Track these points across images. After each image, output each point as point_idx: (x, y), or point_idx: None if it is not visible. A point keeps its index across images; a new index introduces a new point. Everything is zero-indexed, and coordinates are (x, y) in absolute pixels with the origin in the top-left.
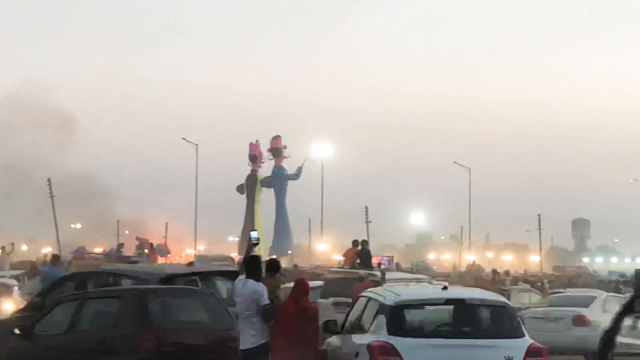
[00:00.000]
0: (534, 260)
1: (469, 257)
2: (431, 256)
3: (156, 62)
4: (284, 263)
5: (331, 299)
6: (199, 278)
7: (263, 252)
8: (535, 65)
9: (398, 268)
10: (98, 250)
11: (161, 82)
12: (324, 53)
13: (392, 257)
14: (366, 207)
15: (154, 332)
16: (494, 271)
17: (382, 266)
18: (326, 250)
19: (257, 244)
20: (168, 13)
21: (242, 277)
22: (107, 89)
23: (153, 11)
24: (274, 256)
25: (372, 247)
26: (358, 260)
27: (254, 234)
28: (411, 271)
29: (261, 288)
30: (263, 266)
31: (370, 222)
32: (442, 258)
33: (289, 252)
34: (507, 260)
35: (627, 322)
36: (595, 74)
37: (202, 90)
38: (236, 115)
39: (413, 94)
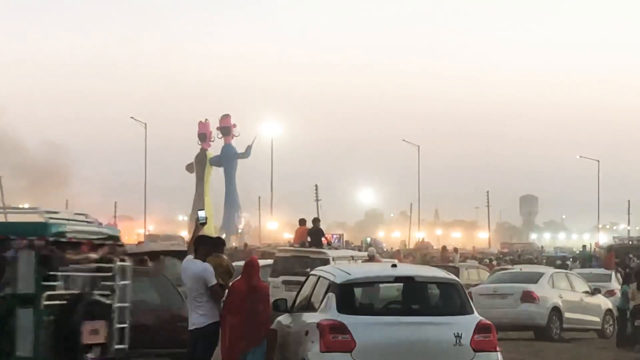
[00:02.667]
0: (482, 237)
1: (419, 235)
2: (381, 234)
3: (105, 39)
4: (233, 241)
5: (281, 278)
6: (149, 257)
7: (213, 231)
8: (479, 43)
9: (347, 245)
10: None
11: (110, 59)
12: (274, 32)
13: (342, 234)
14: (316, 186)
15: None
16: (443, 248)
17: (332, 244)
18: (276, 229)
19: (204, 223)
20: None
21: (190, 256)
22: (55, 66)
23: None
24: (224, 235)
25: (323, 225)
26: (309, 239)
27: (201, 214)
28: (360, 248)
29: (208, 267)
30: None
31: (320, 200)
32: (391, 235)
33: (239, 230)
34: (456, 237)
35: (576, 297)
36: (540, 48)
37: (152, 68)
38: (185, 94)
39: (362, 73)
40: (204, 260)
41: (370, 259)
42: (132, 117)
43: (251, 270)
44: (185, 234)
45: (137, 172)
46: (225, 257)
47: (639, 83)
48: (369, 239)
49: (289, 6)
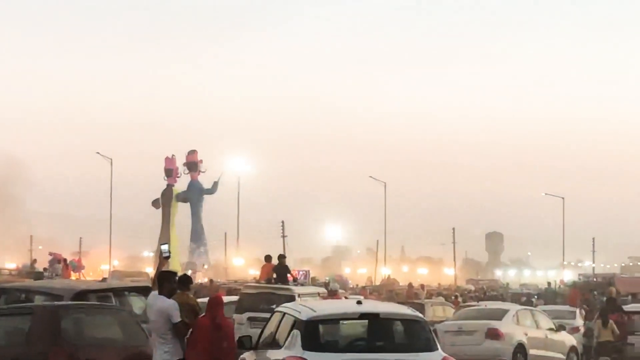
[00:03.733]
0: (448, 274)
1: (385, 271)
2: (347, 270)
3: (67, 73)
4: (199, 278)
5: (247, 314)
6: (112, 294)
7: (178, 267)
8: (440, 78)
9: (314, 282)
10: (10, 266)
11: (75, 95)
12: (241, 69)
13: (308, 271)
14: (282, 222)
15: (67, 349)
16: (409, 285)
17: (298, 280)
18: (242, 265)
19: (168, 257)
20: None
21: (155, 292)
22: (20, 99)
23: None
24: (190, 271)
25: (289, 261)
26: (274, 275)
27: (164, 247)
28: (326, 285)
29: (173, 304)
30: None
31: (287, 236)
32: (357, 272)
33: (205, 267)
34: (422, 274)
35: (540, 334)
36: (505, 87)
37: (117, 104)
38: (151, 130)
39: (329, 110)
40: (169, 297)
41: (331, 294)
42: (98, 153)
43: (215, 307)
44: (151, 270)
45: (102, 208)
46: (191, 295)
47: (603, 122)
48: (329, 279)
49: (256, 43)
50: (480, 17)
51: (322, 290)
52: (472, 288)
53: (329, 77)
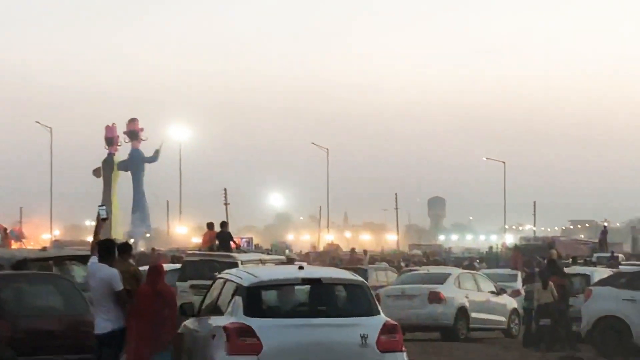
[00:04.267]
0: (391, 239)
1: (328, 237)
2: (290, 237)
3: (6, 45)
4: (142, 246)
5: (189, 282)
6: (53, 263)
7: (120, 236)
8: (378, 46)
9: (257, 249)
10: None
11: (15, 64)
12: (182, 36)
13: (252, 238)
14: (225, 189)
15: (7, 319)
16: (352, 250)
17: (241, 247)
18: (185, 233)
19: (105, 218)
20: None
21: (94, 260)
22: None
23: None
24: (132, 239)
25: (233, 228)
26: (217, 242)
27: (101, 210)
28: (269, 252)
29: (115, 273)
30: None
31: (229, 204)
32: (301, 238)
33: (147, 235)
34: (365, 240)
35: (482, 297)
36: (447, 51)
37: (58, 72)
38: (91, 98)
39: (271, 77)
40: (110, 266)
41: (289, 261)
42: (37, 122)
43: (156, 274)
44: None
45: (43, 177)
46: (132, 262)
47: (543, 85)
48: (278, 243)
49: (196, 11)
50: None
51: (265, 257)
52: (420, 253)
53: (269, 45)
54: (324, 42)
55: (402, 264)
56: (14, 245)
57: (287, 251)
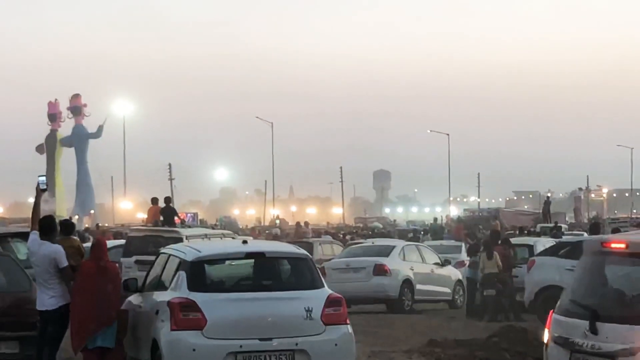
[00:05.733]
0: (337, 213)
1: (273, 212)
2: (236, 211)
3: None
4: (86, 223)
5: (134, 258)
6: None
7: (64, 212)
8: (325, 20)
9: (202, 224)
10: None
11: None
12: (124, 10)
13: (197, 213)
14: (169, 164)
15: None
16: (297, 224)
17: (186, 222)
18: (130, 208)
19: (45, 189)
20: None
21: (34, 236)
22: None
23: None
24: (77, 216)
25: (178, 204)
26: (161, 218)
27: (41, 179)
28: (214, 227)
29: (59, 249)
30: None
31: (174, 179)
32: (247, 213)
33: (92, 211)
34: (311, 213)
35: (426, 269)
36: (388, 24)
37: None
38: (33, 74)
39: (215, 51)
40: (52, 242)
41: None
42: None
43: (99, 250)
44: None
45: None
46: (76, 238)
47: (486, 59)
48: (223, 218)
49: None
50: None
51: (210, 231)
52: (380, 226)
53: (213, 18)
54: (270, 15)
55: (348, 237)
56: None
57: (274, 229)
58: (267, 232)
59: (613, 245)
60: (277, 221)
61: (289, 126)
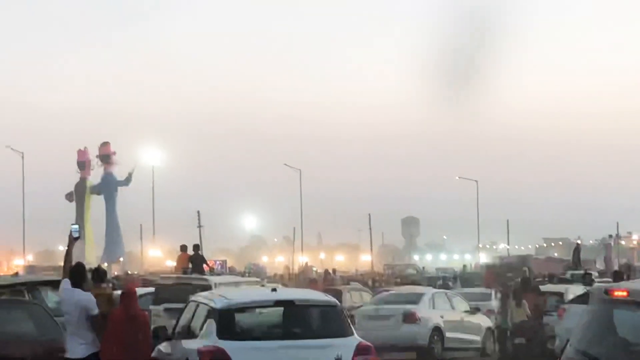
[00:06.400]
0: (366, 260)
1: (302, 259)
2: (265, 259)
3: None
4: (115, 270)
5: (163, 305)
6: (25, 288)
7: (93, 260)
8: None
9: (231, 271)
10: None
11: None
12: (150, 59)
13: (225, 260)
14: (198, 212)
15: None
16: (326, 271)
17: (215, 270)
18: (159, 256)
19: (78, 237)
20: None
21: (66, 285)
22: None
23: None
24: (106, 264)
25: (207, 251)
26: (190, 265)
27: (74, 228)
28: (243, 274)
29: (90, 297)
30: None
31: (203, 226)
32: (275, 260)
33: (121, 259)
34: (340, 260)
35: (456, 317)
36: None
37: (28, 97)
38: (63, 122)
39: (241, 98)
40: (84, 290)
41: (312, 282)
42: (8, 147)
43: (129, 298)
44: None
45: (14, 203)
46: (106, 286)
47: (512, 104)
48: (251, 265)
49: (164, 33)
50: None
51: (240, 279)
52: (414, 272)
53: (239, 66)
54: (295, 64)
55: (377, 284)
56: None
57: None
58: (308, 278)
59: (616, 293)
60: (315, 268)
61: (317, 173)
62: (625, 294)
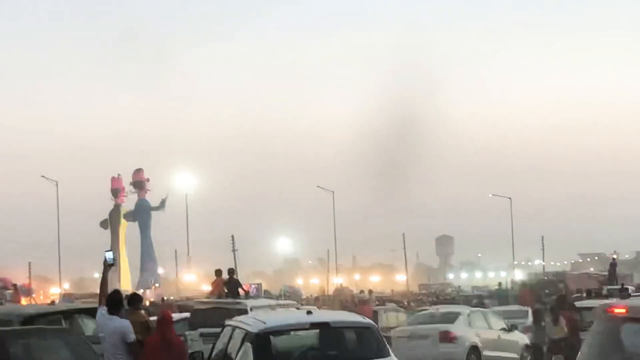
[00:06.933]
0: (400, 280)
1: (337, 280)
2: (299, 281)
3: (10, 100)
4: (151, 296)
5: (199, 330)
6: (63, 317)
7: (129, 286)
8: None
9: (266, 294)
10: None
11: (17, 119)
12: (181, 83)
13: (260, 284)
14: (232, 236)
15: None
16: (362, 292)
17: (250, 293)
18: (194, 281)
19: (112, 264)
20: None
21: (103, 311)
22: None
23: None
24: (140, 290)
25: (241, 275)
26: (226, 290)
27: (108, 255)
28: (278, 297)
29: (127, 324)
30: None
31: (237, 250)
32: (310, 282)
33: (156, 284)
34: (375, 281)
35: (493, 335)
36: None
37: (61, 125)
38: (96, 149)
39: (271, 120)
40: (120, 317)
41: (361, 303)
42: (42, 176)
43: (165, 324)
44: None
45: (50, 231)
46: (142, 312)
47: (546, 120)
48: (287, 287)
49: (196, 57)
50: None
51: (275, 302)
52: (454, 291)
53: (272, 90)
54: (324, 86)
55: (413, 304)
56: (24, 300)
57: (361, 294)
58: (358, 297)
59: (616, 310)
60: (364, 291)
61: (350, 193)
62: (624, 311)
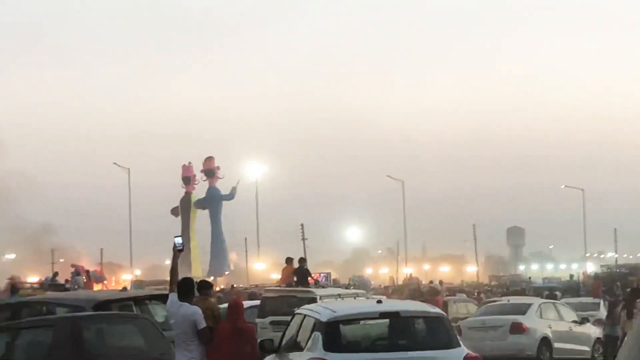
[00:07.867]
0: (471, 271)
1: (406, 271)
2: (369, 271)
3: (80, 87)
4: (221, 284)
5: (269, 318)
6: (134, 303)
7: (199, 273)
8: (450, 75)
9: (335, 284)
10: (32, 279)
11: (88, 107)
12: (254, 72)
13: (329, 273)
14: (302, 225)
15: None
16: (431, 282)
17: (320, 282)
18: (263, 269)
19: (182, 250)
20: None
21: (173, 297)
22: (33, 114)
23: (58, 28)
24: (212, 277)
25: (310, 264)
26: (295, 278)
27: (177, 240)
28: (348, 286)
29: (198, 311)
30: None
31: (307, 239)
32: (379, 272)
33: (227, 272)
34: (445, 272)
35: (564, 327)
36: (525, 77)
37: (133, 113)
38: (168, 137)
39: (343, 108)
40: (190, 303)
41: (434, 293)
42: (115, 163)
43: (235, 312)
44: None
45: (122, 218)
46: (212, 299)
47: (621, 110)
48: (356, 277)
49: (265, 42)
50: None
51: (344, 291)
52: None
53: (343, 76)
54: (399, 72)
55: (482, 296)
56: (96, 286)
57: (433, 284)
58: (429, 287)
59: None
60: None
61: (420, 182)
62: None
